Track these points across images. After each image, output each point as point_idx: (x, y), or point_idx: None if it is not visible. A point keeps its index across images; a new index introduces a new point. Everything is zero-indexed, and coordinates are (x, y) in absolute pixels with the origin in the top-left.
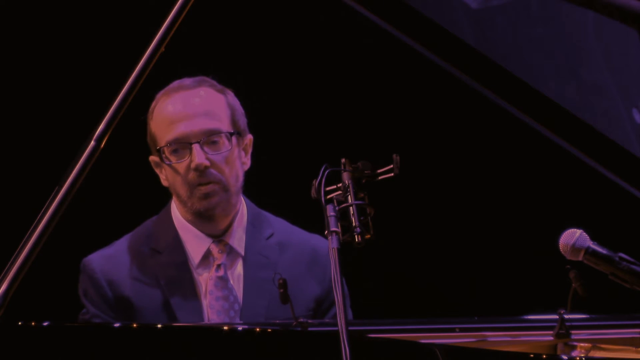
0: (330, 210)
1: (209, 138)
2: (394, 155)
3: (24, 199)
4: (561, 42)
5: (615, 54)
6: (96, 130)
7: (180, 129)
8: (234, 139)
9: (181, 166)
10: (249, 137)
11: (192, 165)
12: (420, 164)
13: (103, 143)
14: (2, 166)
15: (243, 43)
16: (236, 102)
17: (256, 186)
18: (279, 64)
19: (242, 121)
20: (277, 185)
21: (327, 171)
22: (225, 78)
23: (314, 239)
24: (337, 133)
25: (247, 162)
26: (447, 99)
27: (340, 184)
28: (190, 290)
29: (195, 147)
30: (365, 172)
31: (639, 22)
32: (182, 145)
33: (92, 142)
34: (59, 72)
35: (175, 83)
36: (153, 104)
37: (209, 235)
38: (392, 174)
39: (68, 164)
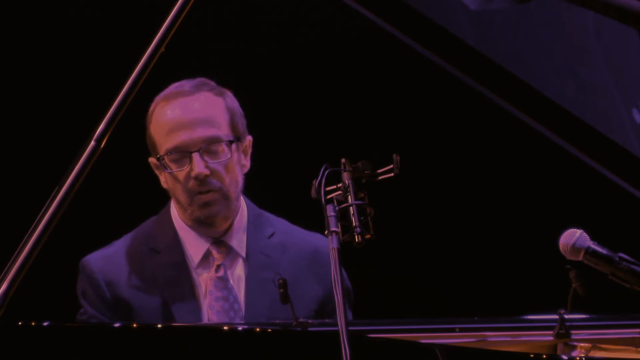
0: (330, 210)
1: (208, 147)
2: (394, 155)
3: (24, 199)
4: (561, 42)
5: (615, 54)
6: (96, 130)
7: (179, 138)
8: (233, 145)
9: (181, 174)
10: (249, 139)
11: (192, 174)
12: (420, 164)
13: (103, 143)
14: (2, 166)
15: (244, 42)
16: (235, 104)
17: (256, 186)
18: (280, 64)
19: (242, 123)
20: (277, 185)
21: (327, 171)
22: (225, 77)
23: (316, 238)
24: (337, 133)
25: (247, 164)
26: (447, 99)
27: (340, 184)
28: (188, 291)
29: (195, 156)
30: (365, 172)
31: (639, 22)
32: (182, 154)
33: (92, 142)
34: (59, 72)
35: (174, 87)
36: (152, 107)
37: (208, 236)
38: (392, 174)
39: (68, 164)
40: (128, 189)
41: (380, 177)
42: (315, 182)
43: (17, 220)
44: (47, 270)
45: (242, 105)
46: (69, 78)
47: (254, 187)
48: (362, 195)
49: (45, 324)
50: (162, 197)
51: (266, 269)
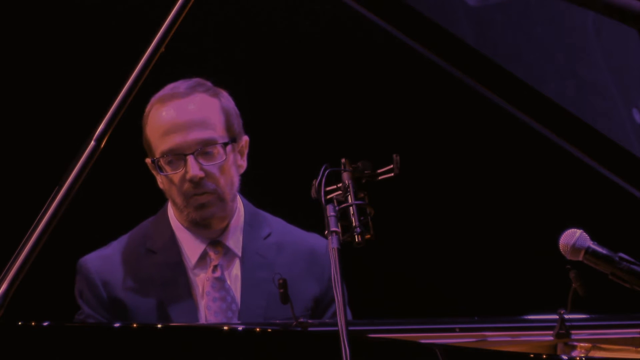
0: (330, 210)
1: (203, 149)
2: (394, 155)
3: (24, 199)
4: (561, 42)
5: (615, 54)
6: (96, 130)
7: (174, 141)
8: (228, 147)
9: (176, 177)
10: (245, 139)
11: (187, 176)
12: (420, 164)
13: (103, 143)
14: (2, 166)
15: (243, 41)
16: (230, 105)
17: (256, 187)
18: (280, 63)
19: (237, 124)
20: (277, 185)
21: (327, 171)
22: (225, 77)
23: (312, 237)
24: (337, 133)
25: (243, 164)
26: (447, 99)
27: (340, 184)
28: (185, 291)
29: (190, 159)
30: (365, 172)
31: (639, 22)
32: (176, 156)
33: (92, 142)
34: (59, 72)
35: (169, 88)
36: (148, 108)
37: (205, 237)
38: (392, 174)
39: (68, 164)
40: (126, 189)
41: (380, 177)
42: (315, 182)
43: (17, 220)
44: (47, 270)
45: (242, 104)
46: (69, 78)
47: (254, 187)
48: (362, 195)
49: (45, 324)
50: (160, 198)
51: (261, 270)
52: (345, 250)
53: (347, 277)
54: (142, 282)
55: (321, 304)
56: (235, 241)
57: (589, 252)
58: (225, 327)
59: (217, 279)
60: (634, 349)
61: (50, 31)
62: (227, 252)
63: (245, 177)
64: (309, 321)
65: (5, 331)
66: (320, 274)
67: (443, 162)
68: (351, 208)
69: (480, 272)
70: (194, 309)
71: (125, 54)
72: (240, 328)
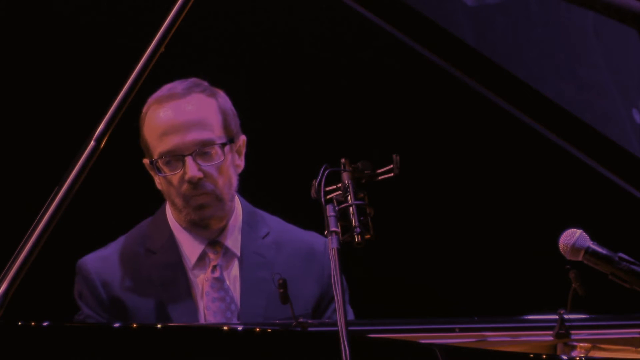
0: (330, 210)
1: (201, 149)
2: (394, 155)
3: (24, 199)
4: (561, 42)
5: (615, 54)
6: (96, 130)
7: (172, 142)
8: (226, 147)
9: (175, 178)
10: (242, 139)
11: (186, 177)
12: (420, 164)
13: (103, 143)
14: (2, 166)
15: (243, 41)
16: (227, 104)
17: (256, 187)
18: (280, 63)
19: (235, 123)
20: (277, 185)
21: (327, 171)
22: (224, 76)
23: (311, 236)
24: (337, 133)
25: (241, 164)
26: (447, 99)
27: (340, 184)
28: (185, 291)
29: (188, 160)
30: (365, 172)
31: (639, 22)
32: (175, 157)
33: (92, 142)
34: (59, 72)
35: (166, 89)
36: (145, 109)
37: (204, 237)
38: (392, 174)
39: (68, 164)
40: (125, 190)
41: (380, 177)
42: (315, 182)
43: (17, 220)
44: (47, 271)
45: (241, 104)
46: (69, 78)
47: (253, 187)
48: (362, 195)
49: (45, 324)
50: (158, 198)
51: (260, 269)
52: (345, 250)
53: (347, 277)
54: (142, 283)
55: (322, 303)
56: (234, 241)
57: (588, 252)
58: (225, 327)
59: (216, 279)
60: (634, 349)
61: (50, 31)
62: (226, 252)
63: (244, 177)
64: (309, 321)
65: (5, 331)
66: (319, 273)
67: (443, 162)
68: (351, 208)
69: (479, 272)
70: (194, 309)
71: (125, 54)
72: (240, 328)
